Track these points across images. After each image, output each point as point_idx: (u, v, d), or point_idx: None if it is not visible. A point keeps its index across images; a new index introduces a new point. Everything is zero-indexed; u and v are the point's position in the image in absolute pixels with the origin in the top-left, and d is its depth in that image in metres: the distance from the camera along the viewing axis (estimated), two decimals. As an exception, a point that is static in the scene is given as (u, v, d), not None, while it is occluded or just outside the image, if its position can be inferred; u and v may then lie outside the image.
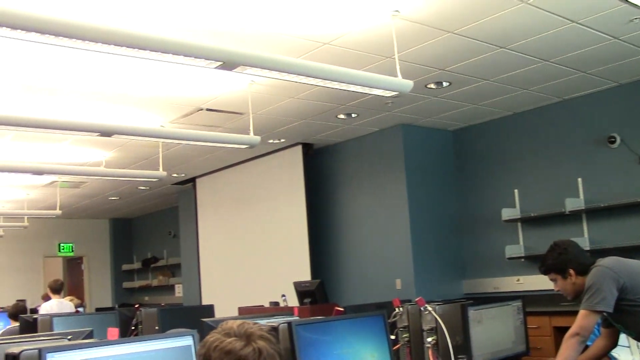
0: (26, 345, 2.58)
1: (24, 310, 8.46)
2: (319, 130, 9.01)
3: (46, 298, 11.96)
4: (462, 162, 9.32)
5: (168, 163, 9.42)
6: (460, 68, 6.63)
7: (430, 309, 3.77)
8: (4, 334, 7.36)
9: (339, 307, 4.06)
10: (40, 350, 2.29)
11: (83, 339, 3.25)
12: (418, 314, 3.86)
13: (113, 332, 2.70)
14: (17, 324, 7.55)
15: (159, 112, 7.52)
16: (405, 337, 3.92)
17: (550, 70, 6.92)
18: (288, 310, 5.11)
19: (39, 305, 11.24)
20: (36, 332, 5.37)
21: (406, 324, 3.94)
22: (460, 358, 3.58)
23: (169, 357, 2.61)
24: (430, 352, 3.72)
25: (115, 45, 3.77)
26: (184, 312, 7.70)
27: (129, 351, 2.49)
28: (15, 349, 2.49)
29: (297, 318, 3.60)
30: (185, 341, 2.68)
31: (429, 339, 3.75)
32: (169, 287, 15.91)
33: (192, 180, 12.39)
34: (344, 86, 5.00)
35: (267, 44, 5.47)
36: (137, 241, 17.88)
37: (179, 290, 15.18)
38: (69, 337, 3.12)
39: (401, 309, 3.97)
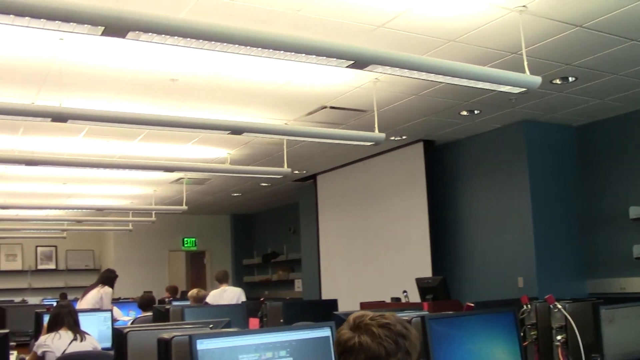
0: (173, 332, 2.74)
1: (153, 300, 8.88)
2: (440, 127, 8.99)
3: (171, 290, 12.51)
4: (587, 159, 9.06)
5: (290, 160, 9.59)
6: (588, 62, 6.48)
7: (560, 307, 3.74)
8: (136, 322, 7.75)
9: (469, 303, 4.07)
10: (190, 336, 2.45)
11: (222, 328, 3.41)
12: (547, 311, 3.84)
13: (254, 322, 2.83)
14: (147, 313, 7.95)
15: (283, 110, 7.69)
16: (533, 334, 3.90)
17: (684, 63, 6.67)
18: (416, 306, 5.15)
19: (164, 297, 11.77)
20: (168, 321, 5.62)
21: (534, 321, 3.92)
22: (594, 357, 3.53)
23: (309, 347, 2.72)
24: (559, 350, 3.69)
25: (251, 46, 3.91)
26: (307, 306, 7.86)
27: (270, 340, 2.61)
28: (166, 335, 2.66)
29: (428, 313, 3.65)
30: (324, 332, 2.79)
31: (559, 337, 3.72)
32: (289, 281, 16.17)
33: (313, 177, 12.57)
34: (472, 83, 5.00)
35: (393, 41, 5.52)
36: (257, 237, 18.26)
37: (298, 285, 15.42)
38: (210, 325, 3.28)
39: (529, 306, 3.95)
